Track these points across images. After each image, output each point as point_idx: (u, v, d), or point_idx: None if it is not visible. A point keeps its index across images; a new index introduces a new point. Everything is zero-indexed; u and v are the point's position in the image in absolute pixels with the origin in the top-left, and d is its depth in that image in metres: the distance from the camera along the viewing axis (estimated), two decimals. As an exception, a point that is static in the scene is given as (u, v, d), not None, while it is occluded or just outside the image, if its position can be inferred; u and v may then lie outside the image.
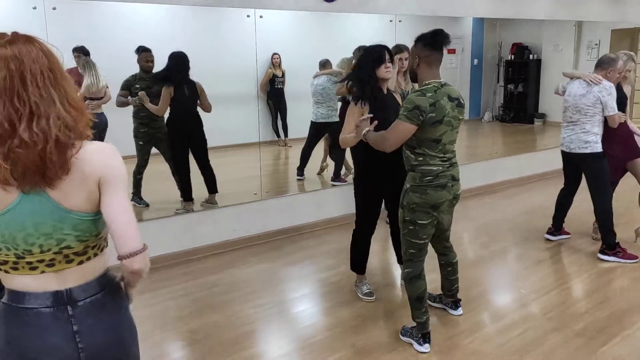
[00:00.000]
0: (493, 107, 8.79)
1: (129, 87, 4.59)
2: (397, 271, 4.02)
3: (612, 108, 4.06)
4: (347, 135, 3.21)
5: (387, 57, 3.22)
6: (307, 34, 6.18)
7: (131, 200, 4.58)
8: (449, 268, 3.29)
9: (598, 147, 4.17)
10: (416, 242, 2.92)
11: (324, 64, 5.66)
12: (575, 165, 4.40)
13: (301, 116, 6.36)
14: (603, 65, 4.16)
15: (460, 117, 2.85)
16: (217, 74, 5.00)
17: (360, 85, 3.25)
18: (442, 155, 2.81)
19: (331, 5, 4.90)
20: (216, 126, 4.91)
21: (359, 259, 3.66)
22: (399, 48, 3.99)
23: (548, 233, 4.77)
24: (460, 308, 3.38)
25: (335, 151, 5.59)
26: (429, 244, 3.04)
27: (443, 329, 3.19)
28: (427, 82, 2.77)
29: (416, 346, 2.98)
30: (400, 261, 3.63)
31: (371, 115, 3.05)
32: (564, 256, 4.36)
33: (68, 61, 4.29)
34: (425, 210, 2.84)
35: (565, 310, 3.40)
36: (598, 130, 4.16)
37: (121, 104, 4.59)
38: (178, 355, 3.02)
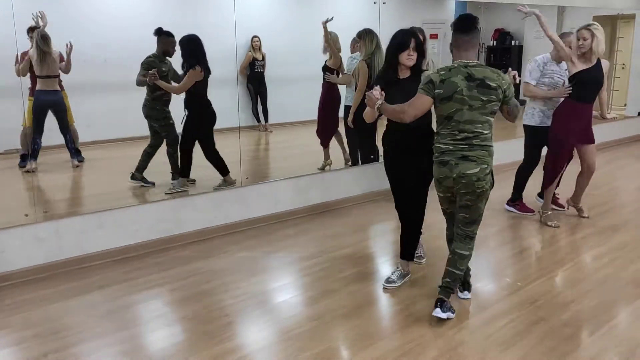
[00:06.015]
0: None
1: (151, 69, 4.51)
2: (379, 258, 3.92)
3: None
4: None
5: (412, 44, 3.18)
6: (288, 16, 5.98)
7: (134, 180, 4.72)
8: (449, 256, 3.14)
9: (531, 121, 4.73)
10: (441, 209, 3.27)
11: None
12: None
13: (282, 101, 6.21)
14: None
15: (485, 98, 2.88)
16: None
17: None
18: (457, 134, 2.91)
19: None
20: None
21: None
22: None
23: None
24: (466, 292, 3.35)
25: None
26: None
27: (427, 319, 3.10)
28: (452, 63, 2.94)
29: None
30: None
31: (378, 86, 3.12)
32: (546, 245, 4.32)
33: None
34: (436, 183, 3.09)
35: (552, 299, 3.35)
36: (534, 104, 4.71)
37: (141, 83, 4.58)
38: (155, 349, 2.88)
